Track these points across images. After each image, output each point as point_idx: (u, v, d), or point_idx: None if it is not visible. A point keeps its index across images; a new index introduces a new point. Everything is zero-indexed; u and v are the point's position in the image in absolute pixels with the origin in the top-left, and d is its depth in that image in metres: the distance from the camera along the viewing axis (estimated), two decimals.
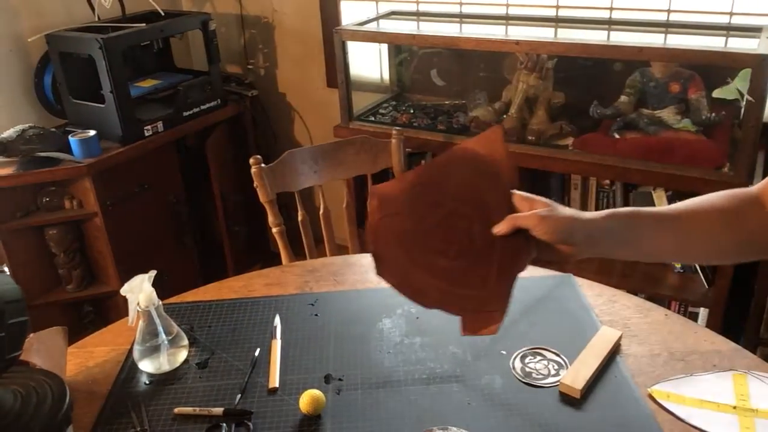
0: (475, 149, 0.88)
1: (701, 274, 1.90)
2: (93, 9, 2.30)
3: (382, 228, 0.89)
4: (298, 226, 1.70)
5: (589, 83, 2.01)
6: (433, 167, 0.91)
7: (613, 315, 1.14)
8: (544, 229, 0.81)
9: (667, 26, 1.98)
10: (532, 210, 0.83)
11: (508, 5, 2.19)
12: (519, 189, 0.86)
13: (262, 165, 1.60)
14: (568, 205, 2.03)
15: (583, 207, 2.02)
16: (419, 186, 0.89)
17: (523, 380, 1.00)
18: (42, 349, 0.99)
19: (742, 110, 1.69)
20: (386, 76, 2.47)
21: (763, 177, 0.89)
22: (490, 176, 0.86)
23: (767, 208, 0.85)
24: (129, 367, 1.07)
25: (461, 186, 0.88)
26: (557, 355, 1.04)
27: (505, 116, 2.05)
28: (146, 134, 2.18)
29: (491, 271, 0.85)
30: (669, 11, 1.97)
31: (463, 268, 0.86)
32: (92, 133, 2.04)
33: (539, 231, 0.81)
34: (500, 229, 0.83)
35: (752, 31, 1.84)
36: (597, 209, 1.97)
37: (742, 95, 1.71)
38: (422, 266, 0.87)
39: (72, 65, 2.15)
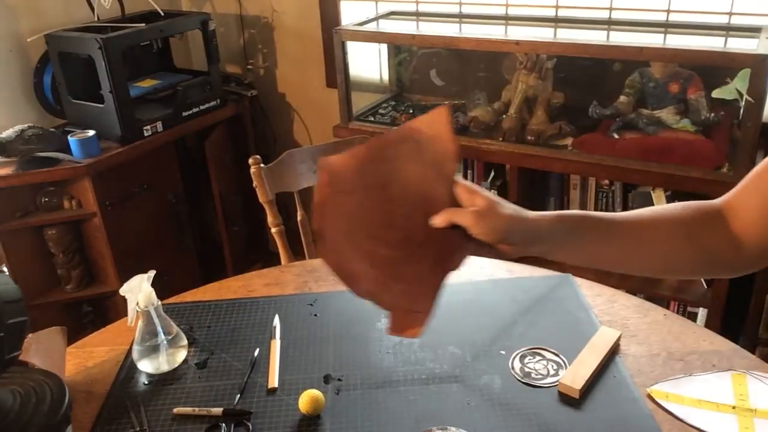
0: (421, 130, 0.79)
1: None
2: (92, 9, 2.30)
3: (330, 205, 0.81)
4: (298, 226, 1.70)
5: (588, 83, 2.01)
6: (381, 145, 0.81)
7: (612, 315, 1.14)
8: (482, 230, 0.76)
9: (666, 26, 1.98)
10: (473, 203, 0.78)
11: (507, 5, 2.19)
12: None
13: (262, 165, 1.60)
14: (567, 204, 2.04)
15: (582, 207, 2.02)
16: (368, 164, 0.80)
17: (522, 380, 1.00)
18: (41, 349, 0.99)
19: (742, 110, 1.69)
20: (386, 76, 2.47)
21: None
22: (433, 162, 0.79)
23: (729, 222, 0.81)
24: (128, 367, 1.07)
25: (405, 170, 0.80)
26: (556, 355, 1.04)
27: (504, 116, 2.05)
28: (145, 134, 2.18)
29: (425, 266, 0.79)
30: (668, 11, 1.97)
31: (401, 259, 0.80)
32: (91, 133, 2.04)
33: (476, 231, 0.76)
34: (436, 221, 0.78)
35: (751, 31, 1.84)
36: (596, 209, 1.98)
37: (741, 95, 1.71)
38: (362, 252, 0.81)
39: (71, 65, 2.15)
